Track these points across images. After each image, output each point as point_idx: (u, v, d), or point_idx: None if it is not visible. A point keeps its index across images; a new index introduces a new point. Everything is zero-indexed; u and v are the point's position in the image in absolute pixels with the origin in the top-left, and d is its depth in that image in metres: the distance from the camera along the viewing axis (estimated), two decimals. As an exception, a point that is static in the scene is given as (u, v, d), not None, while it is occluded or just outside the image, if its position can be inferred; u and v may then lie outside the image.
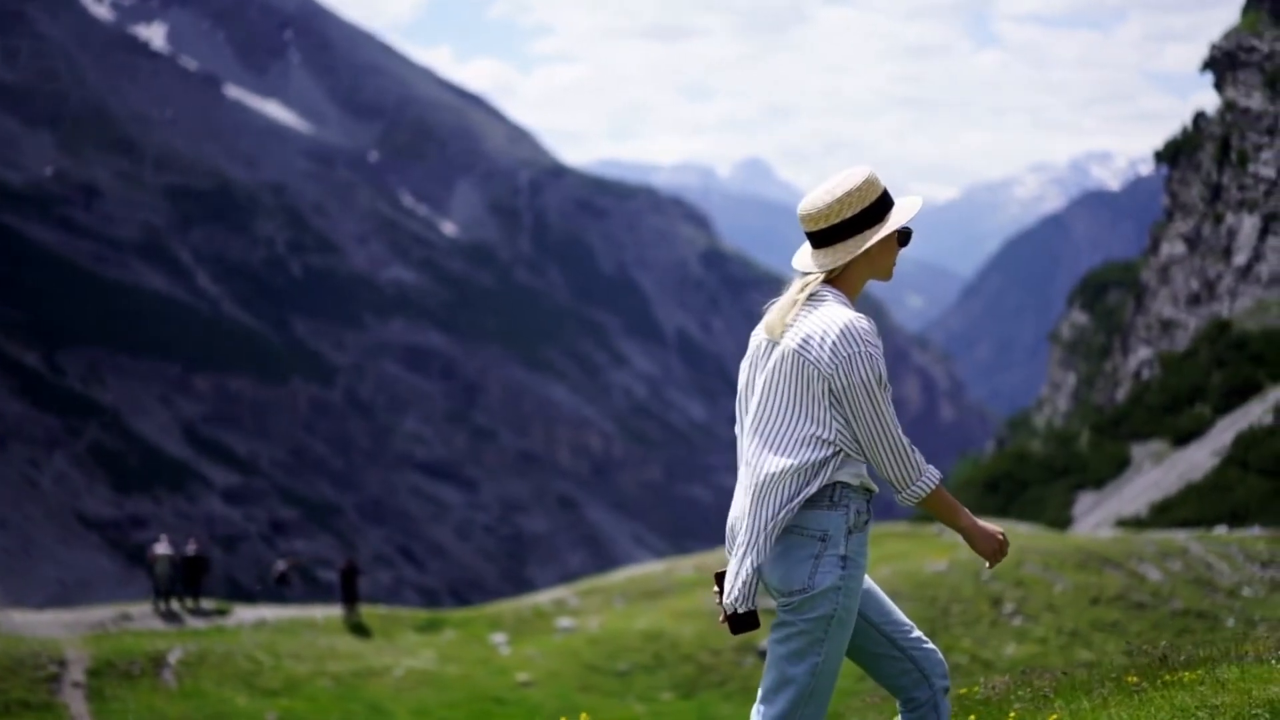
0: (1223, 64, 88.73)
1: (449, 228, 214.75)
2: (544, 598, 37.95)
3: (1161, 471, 70.38)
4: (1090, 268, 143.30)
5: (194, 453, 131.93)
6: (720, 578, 5.26)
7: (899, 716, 5.42)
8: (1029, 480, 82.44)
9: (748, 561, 5.05)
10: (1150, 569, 35.76)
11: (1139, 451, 75.82)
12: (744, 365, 5.36)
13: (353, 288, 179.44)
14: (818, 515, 5.03)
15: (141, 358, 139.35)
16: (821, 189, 5.22)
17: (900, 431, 5.01)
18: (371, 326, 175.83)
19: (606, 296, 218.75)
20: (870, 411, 4.95)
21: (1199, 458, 67.80)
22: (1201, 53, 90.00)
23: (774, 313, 5.23)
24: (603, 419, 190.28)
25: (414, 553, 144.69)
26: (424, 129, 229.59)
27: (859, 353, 4.94)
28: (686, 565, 39.92)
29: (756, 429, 5.18)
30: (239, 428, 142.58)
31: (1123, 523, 62.40)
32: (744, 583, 5.05)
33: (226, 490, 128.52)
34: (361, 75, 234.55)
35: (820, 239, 5.22)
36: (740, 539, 5.12)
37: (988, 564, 5.18)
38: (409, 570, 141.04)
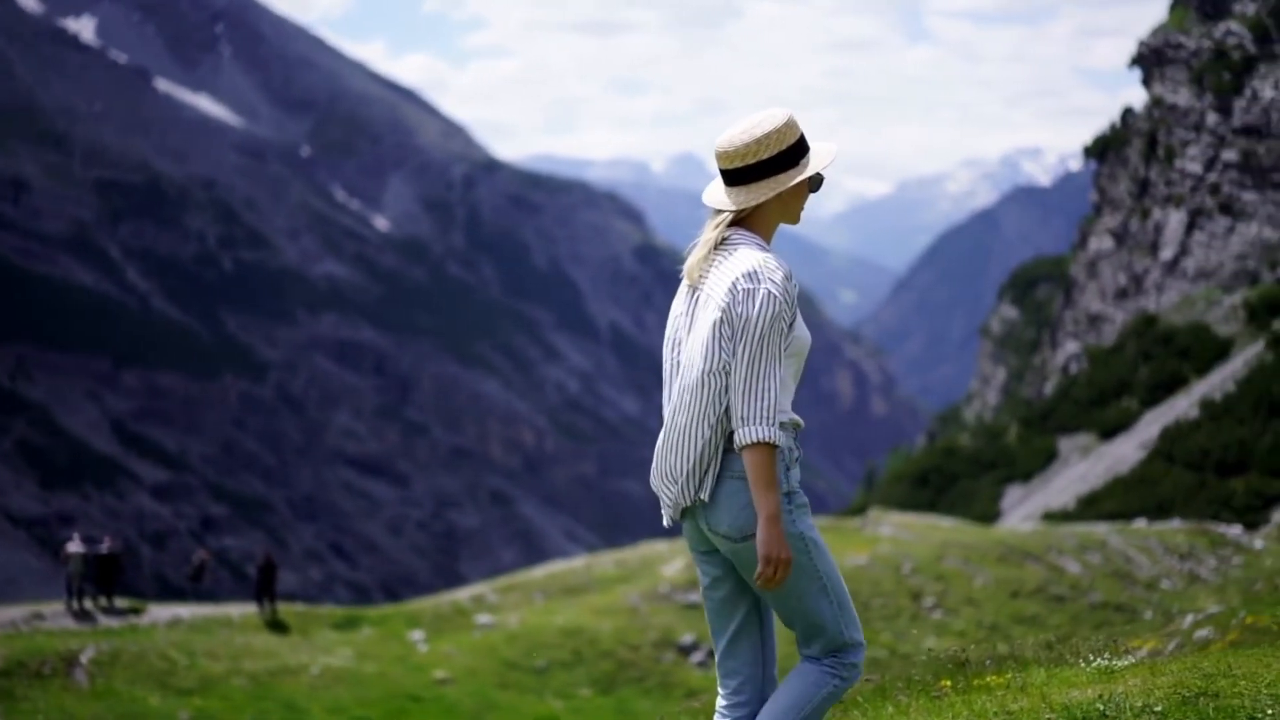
0: (1150, 60, 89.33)
1: (381, 222, 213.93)
2: (463, 594, 37.77)
3: (1088, 464, 70.84)
4: (1020, 262, 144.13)
5: (123, 449, 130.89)
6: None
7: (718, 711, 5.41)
8: (958, 474, 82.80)
9: (680, 493, 5.15)
10: (1070, 562, 35.99)
11: (1066, 445, 76.30)
12: (671, 309, 5.37)
13: (284, 283, 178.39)
14: None
15: (70, 353, 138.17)
16: (740, 127, 5.21)
17: (773, 382, 4.93)
18: (303, 322, 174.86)
19: (540, 291, 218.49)
20: (747, 345, 4.92)
21: (1125, 451, 68.28)
22: (1130, 49, 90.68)
23: (693, 257, 5.23)
24: (535, 414, 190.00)
25: (345, 549, 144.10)
26: (356, 123, 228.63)
27: (756, 289, 4.93)
28: (607, 561, 39.88)
29: (677, 369, 5.21)
30: (169, 423, 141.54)
31: (1050, 516, 62.79)
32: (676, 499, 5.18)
33: (156, 486, 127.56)
34: (293, 69, 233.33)
35: (734, 177, 5.20)
36: (669, 480, 5.18)
37: (758, 571, 4.97)
38: (340, 566, 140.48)
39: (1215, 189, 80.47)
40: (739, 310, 4.94)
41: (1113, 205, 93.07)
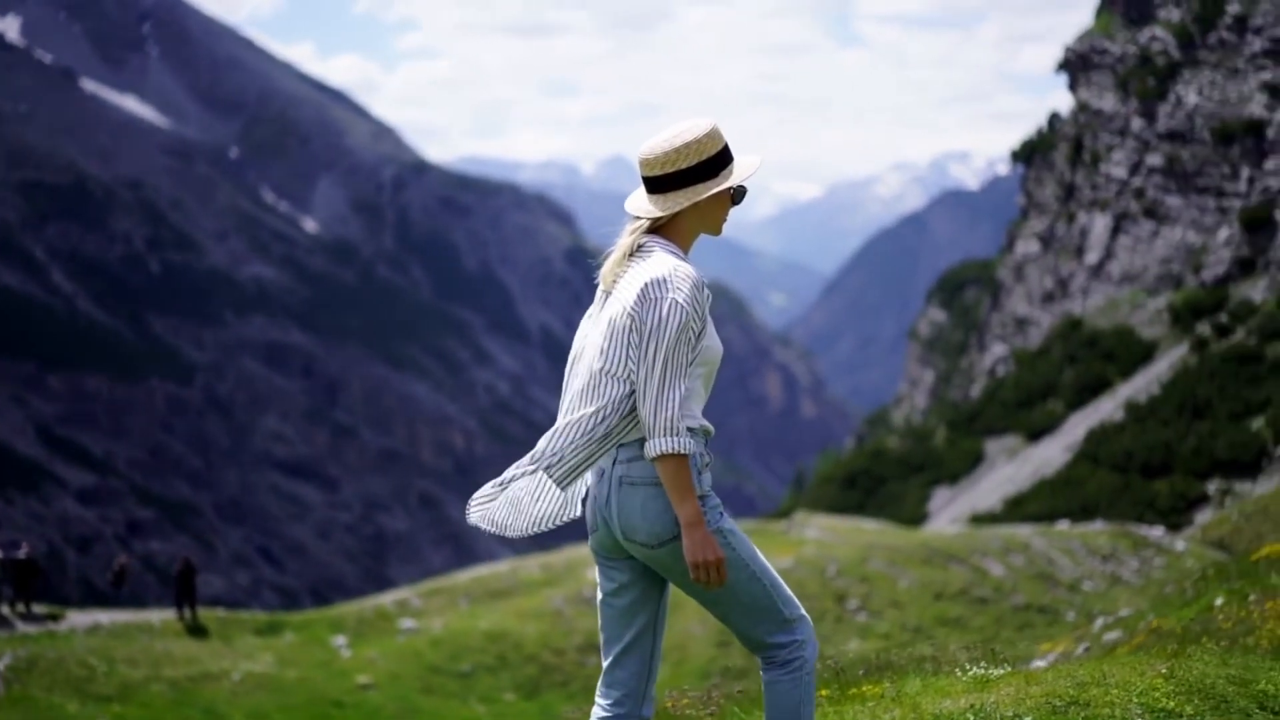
0: (1076, 66, 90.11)
1: (310, 224, 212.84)
2: (387, 599, 37.65)
3: (1015, 467, 71.35)
4: (949, 266, 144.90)
5: (47, 453, 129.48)
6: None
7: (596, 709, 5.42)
8: (886, 476, 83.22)
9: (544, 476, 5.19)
10: (994, 564, 36.19)
11: (993, 447, 76.83)
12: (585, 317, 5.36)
13: (212, 285, 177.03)
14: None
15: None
16: (663, 136, 5.21)
17: (675, 389, 4.89)
18: (231, 324, 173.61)
19: (470, 294, 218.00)
20: (654, 355, 4.89)
21: (1051, 453, 68.82)
22: (1057, 54, 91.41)
23: (608, 263, 5.24)
24: (465, 417, 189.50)
25: (273, 553, 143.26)
26: (285, 125, 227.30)
27: (664, 298, 4.90)
28: (532, 564, 39.81)
29: (580, 372, 5.20)
30: (94, 427, 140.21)
31: (977, 518, 63.21)
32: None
33: (81, 491, 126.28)
34: (222, 70, 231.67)
35: (654, 185, 5.20)
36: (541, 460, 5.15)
37: (693, 577, 5.00)
38: (268, 570, 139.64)
39: (1140, 193, 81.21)
40: (646, 318, 4.91)
41: (1039, 209, 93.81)
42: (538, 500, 5.28)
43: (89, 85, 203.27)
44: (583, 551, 40.41)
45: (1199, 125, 77.63)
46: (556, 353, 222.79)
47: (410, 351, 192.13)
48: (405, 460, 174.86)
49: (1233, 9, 77.04)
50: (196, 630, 30.71)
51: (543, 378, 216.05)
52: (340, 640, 31.66)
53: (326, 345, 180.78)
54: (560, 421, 5.14)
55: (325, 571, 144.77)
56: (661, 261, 5.04)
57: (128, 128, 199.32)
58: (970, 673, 7.58)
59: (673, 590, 5.34)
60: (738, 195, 5.28)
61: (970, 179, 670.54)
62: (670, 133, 5.20)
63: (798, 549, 36.89)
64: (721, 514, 5.11)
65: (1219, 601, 13.32)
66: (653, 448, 4.89)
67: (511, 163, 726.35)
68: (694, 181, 5.15)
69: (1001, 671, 7.53)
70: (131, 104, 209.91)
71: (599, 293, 5.28)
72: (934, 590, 34.08)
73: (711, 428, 5.20)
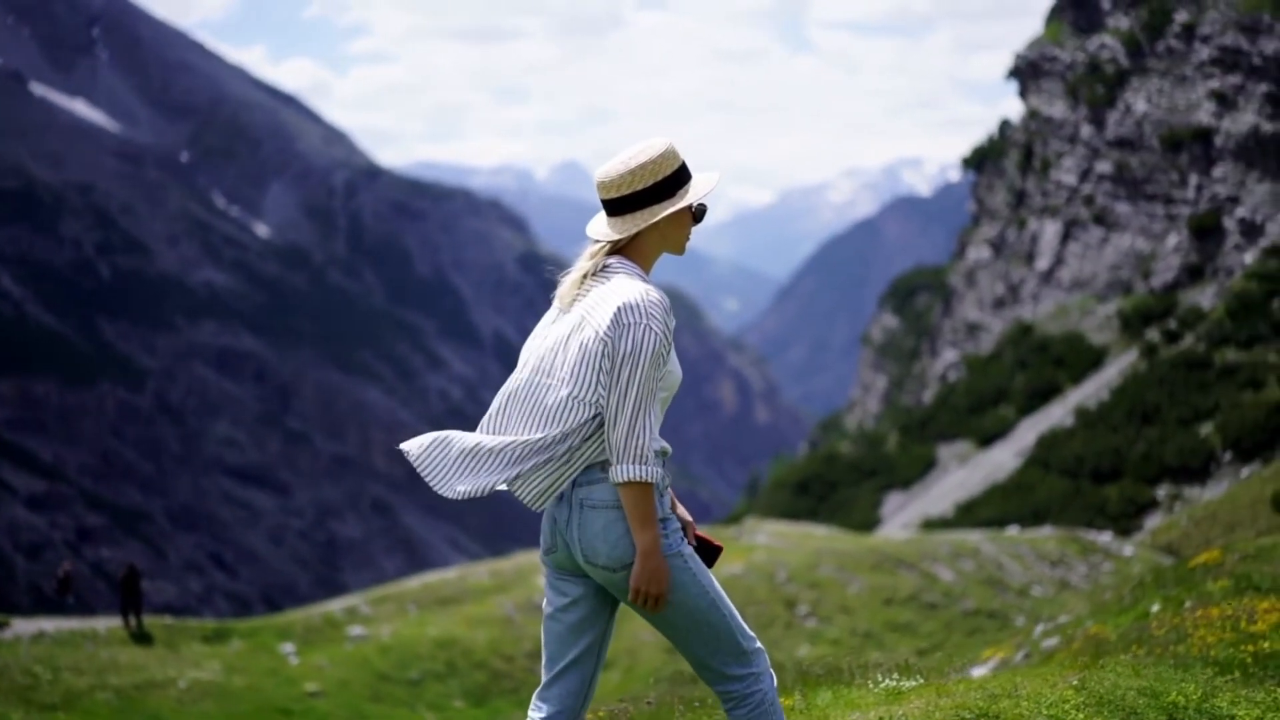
0: (1026, 73, 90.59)
1: (262, 229, 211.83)
2: (335, 606, 37.47)
3: (967, 472, 71.64)
4: (901, 271, 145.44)
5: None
6: None
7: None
8: (838, 481, 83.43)
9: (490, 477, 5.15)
10: (943, 569, 36.31)
11: (945, 452, 77.12)
12: (535, 330, 5.34)
13: (163, 290, 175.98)
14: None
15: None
16: (619, 158, 5.20)
17: (647, 416, 4.92)
18: (182, 329, 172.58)
19: (422, 299, 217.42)
20: (627, 381, 4.89)
21: (1003, 458, 69.13)
22: (1008, 61, 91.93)
23: (566, 283, 5.22)
24: (418, 422, 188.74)
25: (225, 559, 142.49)
26: (236, 129, 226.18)
27: (639, 324, 4.91)
28: (482, 571, 39.73)
29: (525, 390, 5.20)
30: (43, 433, 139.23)
31: (929, 523, 63.42)
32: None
33: (30, 497, 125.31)
34: (172, 74, 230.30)
35: (613, 208, 5.21)
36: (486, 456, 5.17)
37: (630, 593, 5.04)
38: (220, 577, 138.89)
39: (1089, 200, 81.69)
40: (620, 344, 4.92)
41: (990, 215, 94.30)
42: (478, 473, 5.20)
43: (38, 89, 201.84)
44: (533, 558, 40.36)
45: (1148, 133, 78.13)
46: (509, 358, 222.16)
47: (363, 357, 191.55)
48: (358, 466, 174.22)
49: (1181, 17, 77.55)
50: (142, 638, 30.46)
51: (496, 383, 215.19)
52: (288, 648, 31.46)
53: (278, 351, 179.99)
54: (514, 437, 5.13)
55: (278, 578, 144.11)
56: (629, 286, 5.04)
57: (77, 131, 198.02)
58: (882, 685, 7.61)
59: None
60: (698, 213, 5.27)
61: (922, 185, 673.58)
62: (626, 155, 5.20)
63: (748, 555, 36.91)
64: (681, 538, 5.12)
65: (1155, 608, 13.41)
66: (619, 473, 4.92)
67: (465, 168, 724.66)
68: (651, 202, 5.15)
69: (914, 684, 7.56)
70: (81, 108, 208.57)
71: (554, 309, 5.26)
72: (884, 596, 34.17)
73: (669, 448, 5.20)
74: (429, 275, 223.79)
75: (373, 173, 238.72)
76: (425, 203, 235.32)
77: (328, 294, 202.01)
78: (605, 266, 5.17)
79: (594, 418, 5.01)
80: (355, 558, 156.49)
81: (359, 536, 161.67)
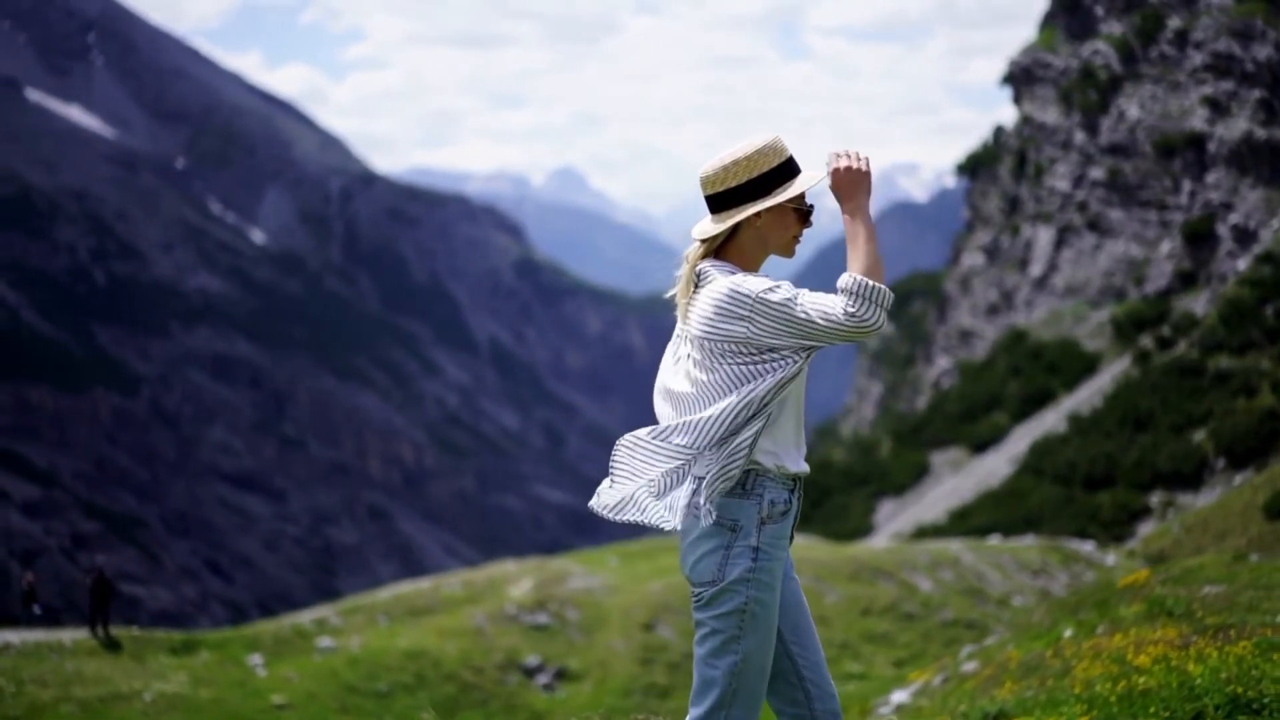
0: (1021, 79, 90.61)
1: (258, 235, 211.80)
2: (304, 617, 37.21)
3: (960, 479, 71.53)
4: (897, 277, 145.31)
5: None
6: None
7: None
8: (832, 488, 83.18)
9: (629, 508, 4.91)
10: (922, 579, 36.29)
11: (938, 459, 76.99)
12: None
13: (158, 296, 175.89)
14: (729, 504, 4.81)
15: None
16: (721, 154, 5.04)
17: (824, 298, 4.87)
18: (177, 335, 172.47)
19: (418, 305, 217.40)
20: (795, 316, 4.82)
21: (996, 465, 69.05)
22: (1002, 67, 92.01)
23: (677, 296, 5.05)
24: (414, 429, 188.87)
25: (221, 565, 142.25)
26: (232, 135, 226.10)
27: (751, 299, 4.79)
28: (454, 581, 39.50)
29: (668, 396, 5.04)
30: (38, 439, 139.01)
31: (922, 530, 63.33)
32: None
33: (26, 503, 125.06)
34: (167, 80, 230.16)
35: (712, 204, 5.05)
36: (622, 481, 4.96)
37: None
38: (215, 583, 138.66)
39: (1083, 206, 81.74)
40: (754, 327, 4.81)
41: (984, 222, 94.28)
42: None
43: (33, 95, 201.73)
44: (506, 568, 40.24)
45: (1140, 139, 78.19)
46: (505, 364, 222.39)
47: (358, 363, 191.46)
48: (353, 472, 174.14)
49: (1174, 24, 77.65)
50: (110, 645, 30.22)
51: (491, 389, 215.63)
52: (256, 659, 31.30)
53: (274, 357, 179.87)
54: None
55: (273, 584, 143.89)
56: (720, 282, 4.87)
57: (72, 137, 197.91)
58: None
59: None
60: (805, 213, 5.19)
61: (918, 191, 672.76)
62: (728, 150, 5.04)
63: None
64: (770, 581, 4.87)
65: (1068, 633, 13.25)
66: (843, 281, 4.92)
67: (460, 174, 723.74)
68: (747, 199, 5.00)
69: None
70: (76, 114, 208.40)
71: (678, 325, 5.09)
72: (861, 606, 34.13)
73: (797, 469, 4.99)
74: (424, 281, 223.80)
75: (368, 179, 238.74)
76: (420, 209, 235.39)
77: (323, 300, 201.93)
78: (702, 273, 4.99)
79: (747, 425, 4.78)
80: (351, 564, 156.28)
81: (354, 542, 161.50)
